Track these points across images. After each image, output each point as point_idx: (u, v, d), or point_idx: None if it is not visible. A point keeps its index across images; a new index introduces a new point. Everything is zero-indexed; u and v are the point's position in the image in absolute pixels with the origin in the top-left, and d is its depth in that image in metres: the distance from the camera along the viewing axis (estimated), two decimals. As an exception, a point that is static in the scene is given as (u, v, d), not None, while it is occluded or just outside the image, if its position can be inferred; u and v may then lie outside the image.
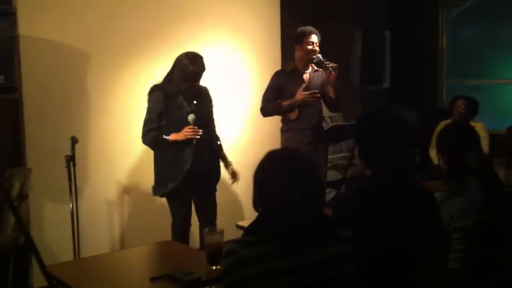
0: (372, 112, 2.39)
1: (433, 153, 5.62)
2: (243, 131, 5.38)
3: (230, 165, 4.31)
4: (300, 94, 4.51)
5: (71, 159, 3.90)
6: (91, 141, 4.42)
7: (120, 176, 4.62)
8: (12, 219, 3.65)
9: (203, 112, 4.03)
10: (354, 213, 2.13)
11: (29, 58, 4.09)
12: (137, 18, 4.65)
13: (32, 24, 4.10)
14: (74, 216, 3.96)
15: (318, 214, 1.95)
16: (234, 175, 4.31)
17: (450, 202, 2.55)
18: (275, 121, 4.88)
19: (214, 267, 2.64)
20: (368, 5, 6.82)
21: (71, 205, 3.94)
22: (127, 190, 4.64)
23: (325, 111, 4.96)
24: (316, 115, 4.67)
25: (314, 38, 4.54)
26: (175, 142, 3.92)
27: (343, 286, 1.90)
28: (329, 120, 5.90)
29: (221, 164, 4.28)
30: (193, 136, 3.89)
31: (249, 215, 4.24)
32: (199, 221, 4.21)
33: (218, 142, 4.27)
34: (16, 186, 3.81)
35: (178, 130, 3.92)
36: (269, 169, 1.96)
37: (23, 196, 3.86)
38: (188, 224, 4.12)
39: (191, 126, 3.90)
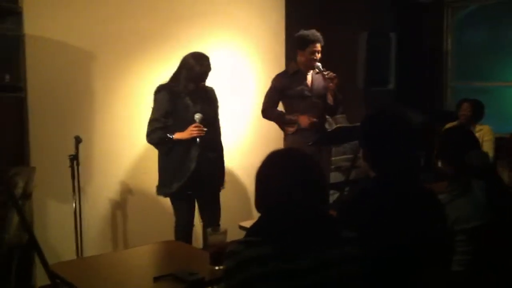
0: (377, 113, 2.38)
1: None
2: (247, 132, 5.38)
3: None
4: (304, 121, 4.51)
5: (75, 158, 3.92)
6: (95, 141, 4.43)
7: (124, 176, 4.63)
8: (15, 218, 3.65)
9: (209, 112, 4.03)
10: (358, 214, 2.12)
11: (34, 57, 4.09)
12: (142, 18, 4.66)
13: (38, 24, 4.11)
14: (78, 215, 3.97)
15: (322, 214, 1.94)
16: None
17: (454, 203, 2.55)
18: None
19: (217, 267, 2.63)
20: (373, 7, 6.82)
21: (74, 204, 3.95)
22: (131, 190, 4.64)
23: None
24: (320, 116, 4.66)
25: (319, 46, 4.54)
26: (180, 142, 3.92)
27: (347, 287, 1.89)
28: (333, 122, 5.89)
29: (226, 165, 4.28)
30: (199, 134, 3.89)
31: (252, 216, 4.23)
32: (203, 221, 4.20)
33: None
34: (20, 184, 3.81)
35: (184, 130, 3.91)
36: (271, 170, 1.95)
37: (27, 195, 3.87)
38: (191, 224, 4.12)
39: (197, 124, 3.89)
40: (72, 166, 3.91)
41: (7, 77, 3.71)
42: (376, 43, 7.01)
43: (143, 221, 4.69)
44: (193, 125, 3.90)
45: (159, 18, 4.77)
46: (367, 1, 6.77)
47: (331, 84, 4.47)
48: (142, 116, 4.20)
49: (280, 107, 4.77)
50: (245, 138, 5.33)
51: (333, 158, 5.48)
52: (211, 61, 4.00)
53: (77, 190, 3.94)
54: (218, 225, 3.97)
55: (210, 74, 4.01)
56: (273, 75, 4.77)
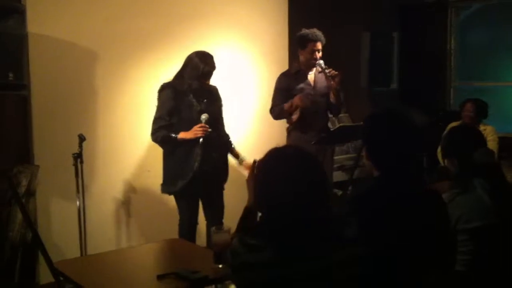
0: (380, 112, 2.38)
1: (441, 155, 5.60)
2: (250, 131, 5.37)
3: (244, 160, 4.25)
4: (297, 100, 4.51)
5: (78, 157, 3.92)
6: (99, 139, 4.43)
7: (127, 174, 4.63)
8: (19, 216, 3.67)
9: (212, 111, 4.03)
10: (362, 214, 2.12)
11: (38, 56, 4.10)
12: (146, 18, 4.66)
13: (41, 22, 4.11)
14: (81, 213, 3.97)
15: (324, 214, 1.90)
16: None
17: (455, 202, 2.55)
18: (282, 121, 4.89)
19: (220, 266, 2.64)
20: (376, 7, 6.81)
21: (78, 203, 3.96)
22: (134, 188, 4.65)
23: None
24: (322, 115, 4.67)
25: (319, 45, 4.55)
26: (184, 141, 3.93)
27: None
28: (336, 121, 5.89)
29: (229, 163, 4.29)
30: (203, 135, 3.90)
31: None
32: (206, 219, 4.21)
33: (229, 139, 4.28)
34: (24, 183, 3.83)
35: (188, 128, 3.92)
36: (272, 169, 1.93)
37: (30, 193, 3.88)
38: (195, 222, 4.13)
39: (202, 124, 3.90)
40: (76, 165, 3.92)
41: (11, 75, 3.72)
42: (379, 43, 7.01)
43: (146, 219, 4.70)
44: (198, 125, 3.90)
45: (162, 17, 4.77)
46: (370, 1, 6.77)
47: (332, 82, 4.47)
48: (146, 114, 4.21)
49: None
50: (248, 137, 5.32)
51: (336, 157, 5.49)
52: (214, 60, 4.01)
53: (81, 188, 3.94)
54: (222, 223, 3.98)
55: (214, 73, 4.02)
56: (276, 75, 4.79)
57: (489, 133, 5.30)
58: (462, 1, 7.26)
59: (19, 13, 3.79)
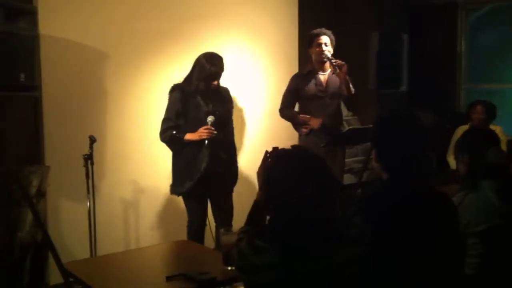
0: (390, 115, 2.38)
1: (450, 159, 5.59)
2: (259, 132, 5.38)
3: None
4: (316, 123, 4.51)
5: (89, 158, 3.93)
6: (109, 140, 4.45)
7: (137, 175, 4.65)
8: (30, 216, 3.68)
9: (221, 112, 4.04)
10: (371, 217, 2.12)
11: (49, 57, 4.12)
12: (156, 19, 4.68)
13: (52, 24, 4.13)
14: (91, 214, 3.99)
15: (330, 216, 1.92)
16: None
17: (465, 204, 2.54)
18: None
19: (229, 268, 2.64)
20: (386, 8, 6.80)
21: (88, 204, 3.97)
22: (144, 189, 4.66)
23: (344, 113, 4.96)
24: (333, 117, 4.67)
25: (324, 38, 4.55)
26: (191, 142, 3.94)
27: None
28: (345, 124, 5.89)
29: (239, 165, 4.29)
30: (208, 137, 3.91)
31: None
32: (215, 221, 4.22)
33: None
34: (35, 183, 3.84)
35: (195, 129, 3.95)
36: (276, 169, 1.95)
37: (41, 194, 3.89)
38: (203, 223, 4.14)
39: (208, 126, 3.92)
40: (86, 166, 3.93)
41: (22, 76, 3.73)
42: (389, 44, 7.00)
43: (155, 220, 4.72)
44: (204, 127, 3.92)
45: (172, 18, 4.79)
46: (380, 2, 6.76)
47: (338, 71, 4.46)
48: (155, 115, 4.22)
49: (297, 108, 4.79)
50: (257, 138, 5.33)
51: (345, 160, 5.47)
52: (223, 61, 4.03)
53: (91, 189, 3.96)
54: (230, 225, 3.98)
55: (222, 74, 4.03)
56: (285, 75, 4.80)
57: (498, 134, 5.26)
58: (472, 3, 7.23)
59: (31, 14, 3.81)
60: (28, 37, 3.76)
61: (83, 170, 3.93)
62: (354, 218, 2.14)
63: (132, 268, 2.90)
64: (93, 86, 4.41)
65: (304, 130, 4.61)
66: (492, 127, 5.31)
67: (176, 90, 4.04)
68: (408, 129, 2.24)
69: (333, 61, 4.47)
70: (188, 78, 4.05)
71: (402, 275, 2.07)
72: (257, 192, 2.22)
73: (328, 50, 4.54)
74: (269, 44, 5.46)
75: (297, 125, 4.70)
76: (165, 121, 4.03)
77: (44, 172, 3.94)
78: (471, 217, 2.53)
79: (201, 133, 3.92)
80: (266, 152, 2.18)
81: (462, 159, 2.76)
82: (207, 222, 4.17)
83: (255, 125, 5.37)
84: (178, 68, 4.31)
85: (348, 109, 4.95)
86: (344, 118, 5.62)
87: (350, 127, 5.16)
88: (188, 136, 3.96)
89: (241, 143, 4.38)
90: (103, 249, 4.02)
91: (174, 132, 3.98)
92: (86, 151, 3.94)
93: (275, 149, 2.17)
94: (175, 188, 4.10)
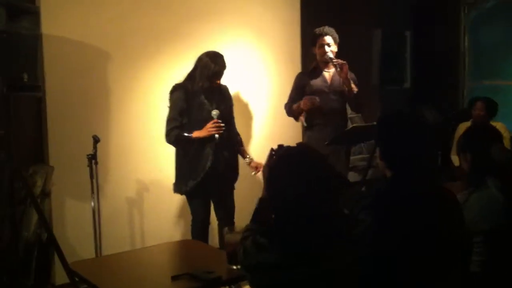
0: (394, 112, 2.38)
1: (454, 156, 5.58)
2: (261, 130, 5.38)
3: (252, 160, 4.27)
4: (304, 103, 4.51)
5: (93, 158, 3.94)
6: (112, 140, 4.45)
7: (141, 175, 4.65)
8: (35, 216, 3.70)
9: (224, 110, 4.05)
10: (375, 215, 2.12)
11: (52, 56, 4.13)
12: (158, 17, 4.68)
13: (55, 23, 4.14)
14: (96, 214, 3.99)
15: (333, 214, 1.92)
16: (257, 168, 4.25)
17: (469, 202, 2.54)
18: (294, 121, 4.89)
19: (234, 267, 2.64)
20: (389, 5, 6.79)
21: (92, 203, 3.98)
22: (148, 189, 4.66)
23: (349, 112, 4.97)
24: (338, 115, 4.67)
25: (326, 39, 4.55)
26: (197, 140, 3.94)
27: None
28: (349, 121, 5.88)
29: (240, 162, 4.30)
30: (217, 132, 3.91)
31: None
32: (218, 220, 4.23)
33: (238, 137, 4.29)
34: (39, 183, 3.86)
35: (199, 128, 3.95)
36: (277, 166, 1.96)
37: (45, 193, 3.91)
38: (207, 222, 4.14)
39: (215, 120, 3.92)
40: (90, 165, 3.94)
41: (25, 76, 3.72)
42: (392, 41, 6.99)
43: (160, 219, 4.71)
44: (211, 122, 3.92)
45: (174, 16, 4.79)
46: (383, 0, 6.75)
47: (338, 70, 4.46)
48: (158, 114, 4.23)
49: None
50: (260, 136, 5.32)
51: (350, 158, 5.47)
52: (226, 59, 4.03)
53: (95, 189, 3.96)
54: (233, 223, 4.00)
55: (225, 72, 4.04)
56: (288, 73, 4.81)
57: (500, 130, 5.26)
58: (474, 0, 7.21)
59: (33, 14, 3.79)
60: (31, 37, 3.75)
61: (87, 170, 3.94)
62: (357, 215, 2.14)
63: (138, 268, 2.91)
64: (96, 85, 4.41)
65: (302, 119, 4.61)
66: (493, 123, 5.30)
67: (178, 89, 4.03)
68: (412, 127, 2.24)
69: (334, 61, 4.47)
70: (190, 77, 4.05)
71: (403, 274, 2.07)
72: (263, 190, 2.22)
73: (331, 50, 4.54)
74: (272, 42, 5.45)
75: (294, 116, 4.69)
76: (169, 121, 4.02)
77: (48, 172, 3.96)
78: (476, 215, 2.52)
79: (209, 129, 3.92)
80: (271, 149, 2.18)
81: (465, 157, 2.76)
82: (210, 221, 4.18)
83: (258, 123, 5.37)
84: (181, 66, 4.31)
85: (352, 109, 4.95)
86: (348, 116, 5.62)
87: (354, 125, 5.15)
88: (196, 134, 3.95)
89: (244, 141, 4.37)
90: (108, 249, 4.02)
91: (180, 132, 3.97)
92: (90, 150, 3.95)
93: (280, 146, 2.17)
94: (179, 186, 4.10)
